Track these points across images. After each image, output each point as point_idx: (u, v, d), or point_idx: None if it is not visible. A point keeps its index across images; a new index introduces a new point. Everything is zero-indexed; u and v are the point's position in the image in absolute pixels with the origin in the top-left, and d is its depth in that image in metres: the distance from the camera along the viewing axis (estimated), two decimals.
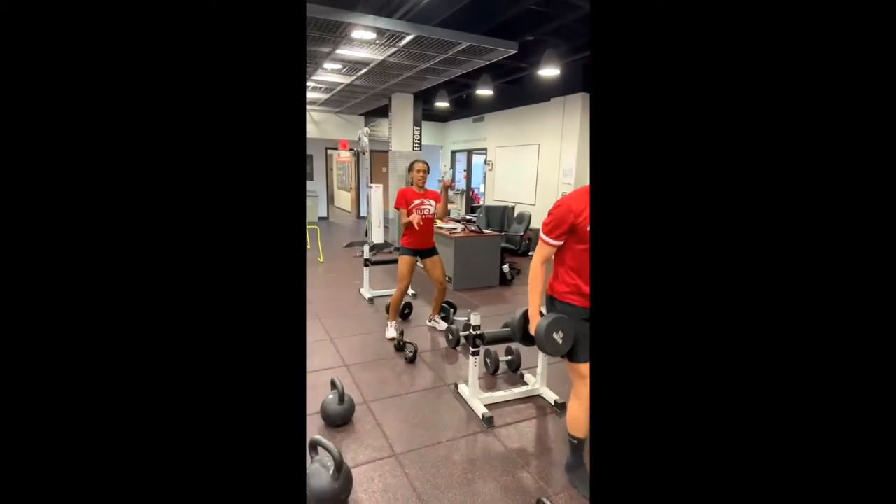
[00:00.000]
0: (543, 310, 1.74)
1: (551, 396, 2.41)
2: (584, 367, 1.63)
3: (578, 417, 1.68)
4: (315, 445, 1.64)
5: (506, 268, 4.94)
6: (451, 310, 3.61)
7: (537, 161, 6.81)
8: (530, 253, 6.25)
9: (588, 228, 1.52)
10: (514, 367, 2.78)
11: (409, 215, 3.03)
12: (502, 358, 2.77)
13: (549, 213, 1.61)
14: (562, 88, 5.93)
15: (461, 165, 9.74)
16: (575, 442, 1.74)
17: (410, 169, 3.13)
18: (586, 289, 1.61)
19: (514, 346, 2.75)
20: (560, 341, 1.61)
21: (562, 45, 4.64)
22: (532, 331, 1.67)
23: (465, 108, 8.49)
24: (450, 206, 6.43)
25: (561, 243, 1.60)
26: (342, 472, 1.58)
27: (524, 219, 5.89)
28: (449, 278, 4.63)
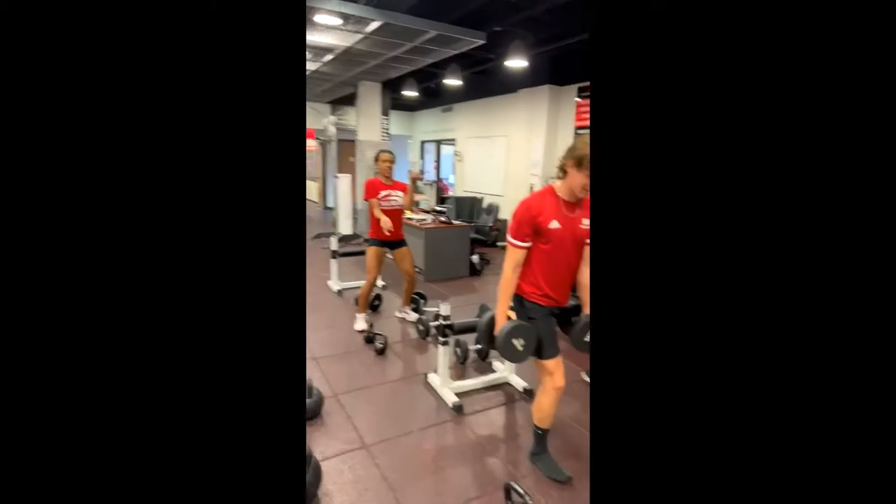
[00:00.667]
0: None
1: (519, 383, 2.46)
2: (550, 364, 1.66)
3: (544, 410, 1.73)
4: None
5: (475, 258, 4.97)
6: (421, 300, 3.61)
7: (506, 153, 6.86)
8: (499, 243, 6.32)
9: (548, 227, 1.58)
10: (483, 355, 2.82)
11: (379, 211, 2.99)
12: (471, 347, 2.80)
13: (513, 217, 1.65)
14: (529, 80, 5.97)
15: (430, 156, 9.69)
16: (540, 433, 1.79)
17: (377, 159, 3.10)
18: (549, 289, 1.66)
19: None
20: (520, 348, 1.61)
21: (529, 37, 4.66)
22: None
23: (434, 97, 8.42)
24: (419, 197, 6.40)
25: (528, 244, 1.62)
26: (310, 466, 1.56)
27: (493, 210, 5.94)
28: (419, 269, 4.62)
